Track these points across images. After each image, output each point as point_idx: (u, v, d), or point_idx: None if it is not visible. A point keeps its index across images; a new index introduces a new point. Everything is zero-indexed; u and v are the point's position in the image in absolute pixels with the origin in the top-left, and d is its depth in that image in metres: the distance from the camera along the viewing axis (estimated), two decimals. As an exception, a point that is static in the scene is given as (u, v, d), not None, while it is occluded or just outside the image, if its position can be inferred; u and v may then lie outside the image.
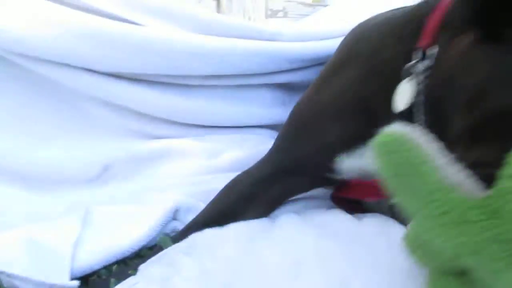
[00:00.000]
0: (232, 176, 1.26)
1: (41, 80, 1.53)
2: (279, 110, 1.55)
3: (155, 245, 1.04)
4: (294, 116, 1.10)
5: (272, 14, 2.17)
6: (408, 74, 0.78)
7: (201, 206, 1.18)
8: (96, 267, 0.95)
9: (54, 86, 1.55)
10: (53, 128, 1.56)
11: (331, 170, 0.98)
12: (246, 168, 1.25)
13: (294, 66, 1.52)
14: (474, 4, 0.67)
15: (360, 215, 1.00)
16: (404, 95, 0.78)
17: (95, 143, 1.54)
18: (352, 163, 0.96)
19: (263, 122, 1.60)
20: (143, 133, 1.60)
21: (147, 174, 1.46)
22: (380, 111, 0.84)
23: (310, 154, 1.00)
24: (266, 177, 1.06)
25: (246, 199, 1.05)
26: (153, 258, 0.93)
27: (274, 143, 1.12)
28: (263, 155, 1.21)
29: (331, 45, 1.26)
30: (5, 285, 0.86)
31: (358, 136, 0.89)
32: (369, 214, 1.00)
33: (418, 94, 0.78)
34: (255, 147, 1.47)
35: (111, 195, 1.35)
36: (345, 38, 1.07)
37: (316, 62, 1.49)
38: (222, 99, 1.59)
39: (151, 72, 1.52)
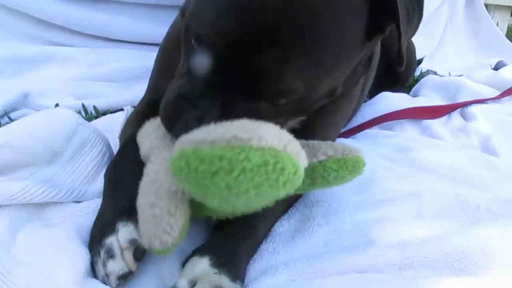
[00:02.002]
0: (111, 85, 1.55)
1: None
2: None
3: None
4: (159, 50, 1.13)
5: None
6: None
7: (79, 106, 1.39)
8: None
9: None
10: None
11: None
12: (123, 78, 1.55)
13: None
14: None
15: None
16: None
17: None
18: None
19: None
20: (42, 39, 1.74)
21: (30, 76, 1.60)
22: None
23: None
24: (145, 109, 1.05)
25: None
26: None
27: (149, 78, 1.14)
28: (142, 68, 1.52)
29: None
30: None
31: None
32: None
33: None
34: (135, 61, 1.65)
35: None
36: None
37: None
38: (126, 14, 1.73)
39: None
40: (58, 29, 1.74)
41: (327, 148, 0.76)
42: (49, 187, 0.80)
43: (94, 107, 1.39)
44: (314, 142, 0.77)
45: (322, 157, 0.74)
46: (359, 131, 1.25)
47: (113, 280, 0.67)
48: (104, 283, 0.68)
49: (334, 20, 0.68)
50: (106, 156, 0.95)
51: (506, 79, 1.62)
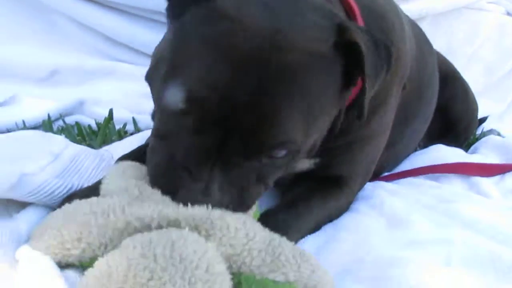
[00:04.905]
0: None
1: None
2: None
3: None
4: None
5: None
6: None
7: (130, 118, 1.50)
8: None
9: (33, 1, 1.90)
10: (24, 31, 1.90)
11: None
12: None
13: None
14: None
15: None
16: None
17: (49, 49, 1.86)
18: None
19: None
20: (106, 54, 1.92)
21: (91, 86, 1.75)
22: None
23: None
24: None
25: None
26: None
27: None
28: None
29: None
30: None
31: None
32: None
33: None
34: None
35: (58, 99, 1.62)
36: None
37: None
38: None
39: (121, 1, 1.84)
40: (122, 46, 1.91)
41: (289, 265, 0.66)
42: (63, 181, 0.86)
43: (134, 122, 1.50)
44: (287, 254, 0.67)
45: (279, 277, 0.65)
46: (403, 177, 1.27)
47: None
48: None
49: (314, 72, 0.74)
50: (105, 163, 1.00)
51: None
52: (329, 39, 0.76)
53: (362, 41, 0.77)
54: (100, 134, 1.37)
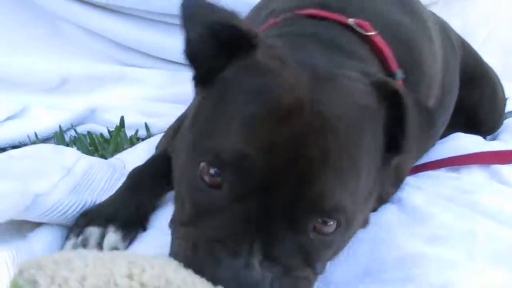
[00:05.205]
0: (175, 106, 1.62)
1: (30, 3, 1.88)
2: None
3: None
4: None
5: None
6: None
7: (143, 123, 1.50)
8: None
9: (40, 9, 1.88)
10: (32, 40, 1.91)
11: None
12: (187, 101, 1.67)
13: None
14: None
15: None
16: None
17: (58, 57, 1.87)
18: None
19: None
20: (116, 60, 1.92)
21: (101, 92, 1.75)
22: None
23: None
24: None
25: None
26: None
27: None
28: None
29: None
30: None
31: None
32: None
33: None
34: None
35: (69, 108, 1.63)
36: None
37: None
38: None
39: (127, 5, 1.82)
40: (131, 51, 1.90)
41: None
42: (76, 199, 0.85)
43: (146, 127, 1.51)
44: None
45: None
46: (422, 171, 1.24)
47: None
48: None
49: (360, 126, 0.68)
50: (117, 174, 1.00)
51: None
52: (372, 92, 0.71)
53: (406, 99, 0.72)
54: (112, 142, 1.37)
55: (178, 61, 1.87)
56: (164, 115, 1.58)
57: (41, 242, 0.78)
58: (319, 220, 0.63)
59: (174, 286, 0.57)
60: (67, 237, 0.81)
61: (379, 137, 0.71)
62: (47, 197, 0.80)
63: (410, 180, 1.15)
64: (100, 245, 0.79)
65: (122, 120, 1.47)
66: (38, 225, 0.83)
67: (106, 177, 0.95)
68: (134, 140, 1.44)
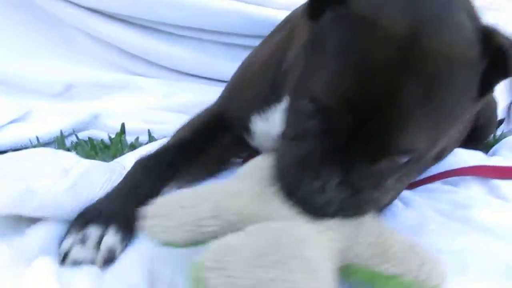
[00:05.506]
0: (179, 116, 1.64)
1: (39, 9, 1.90)
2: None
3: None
4: (237, 70, 1.23)
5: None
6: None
7: (145, 130, 1.52)
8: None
9: (49, 15, 1.91)
10: (39, 46, 1.93)
11: (248, 130, 1.09)
12: (193, 111, 1.50)
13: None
14: None
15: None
16: None
17: (64, 64, 1.90)
18: (261, 127, 1.06)
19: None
20: (121, 67, 1.95)
21: (106, 100, 1.77)
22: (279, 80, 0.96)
23: (237, 107, 1.12)
24: (210, 119, 1.17)
25: (198, 136, 1.14)
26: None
27: (221, 92, 1.25)
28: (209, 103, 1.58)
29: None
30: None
31: (269, 99, 1.01)
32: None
33: None
34: (205, 95, 1.75)
35: (72, 113, 1.65)
36: None
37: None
38: (203, 51, 1.88)
39: (129, 14, 1.85)
40: (137, 59, 1.93)
41: (399, 258, 0.69)
42: (73, 196, 0.86)
43: (149, 133, 1.52)
44: (397, 247, 0.70)
45: (389, 270, 0.68)
46: (421, 185, 1.25)
47: (68, 260, 0.77)
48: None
49: (454, 80, 0.70)
50: (115, 175, 1.00)
51: None
52: (476, 44, 0.72)
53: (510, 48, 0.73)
54: (112, 148, 1.39)
55: (183, 70, 1.93)
56: (167, 123, 1.61)
57: (38, 238, 0.79)
58: (393, 157, 0.72)
59: None
60: (66, 234, 0.82)
61: (473, 89, 0.74)
62: (43, 192, 0.81)
63: (404, 195, 1.15)
64: (98, 245, 0.80)
65: (123, 126, 1.48)
66: (35, 221, 0.83)
67: (104, 179, 0.96)
68: (136, 146, 1.46)
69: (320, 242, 0.68)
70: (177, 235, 0.69)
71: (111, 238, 0.81)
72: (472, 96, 0.74)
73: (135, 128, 1.54)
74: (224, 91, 1.24)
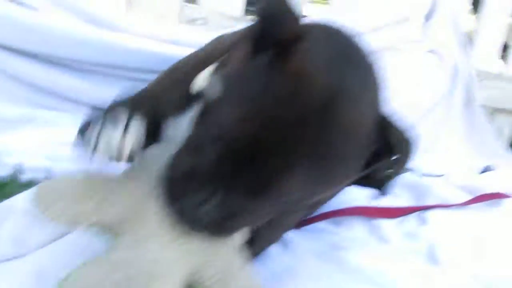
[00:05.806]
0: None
1: None
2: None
3: None
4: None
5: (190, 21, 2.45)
6: None
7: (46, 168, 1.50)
8: None
9: None
10: None
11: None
12: None
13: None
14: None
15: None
16: None
17: None
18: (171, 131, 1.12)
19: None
20: (29, 101, 1.92)
21: (8, 136, 1.73)
22: None
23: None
24: None
25: None
26: None
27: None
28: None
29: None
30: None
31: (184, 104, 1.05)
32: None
33: None
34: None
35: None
36: None
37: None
38: (112, 85, 1.85)
39: (37, 51, 1.85)
40: (45, 92, 1.91)
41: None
42: None
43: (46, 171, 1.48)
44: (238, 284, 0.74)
45: None
46: (308, 224, 1.30)
47: (102, 142, 0.85)
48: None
49: (346, 155, 0.75)
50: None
51: (482, 185, 1.67)
52: (375, 130, 0.78)
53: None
54: (7, 187, 1.36)
55: (92, 103, 1.90)
56: (71, 159, 1.59)
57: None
58: (268, 199, 0.75)
59: None
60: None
61: (359, 165, 0.80)
62: None
63: (287, 234, 1.19)
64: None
65: (16, 167, 1.47)
66: None
67: None
68: (32, 185, 1.44)
69: (173, 272, 0.70)
70: (60, 220, 0.75)
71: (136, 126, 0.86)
72: (357, 169, 0.80)
73: (34, 165, 1.52)
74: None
